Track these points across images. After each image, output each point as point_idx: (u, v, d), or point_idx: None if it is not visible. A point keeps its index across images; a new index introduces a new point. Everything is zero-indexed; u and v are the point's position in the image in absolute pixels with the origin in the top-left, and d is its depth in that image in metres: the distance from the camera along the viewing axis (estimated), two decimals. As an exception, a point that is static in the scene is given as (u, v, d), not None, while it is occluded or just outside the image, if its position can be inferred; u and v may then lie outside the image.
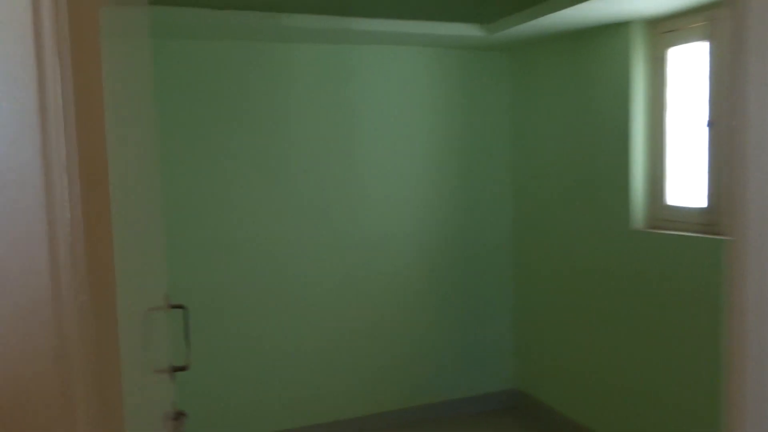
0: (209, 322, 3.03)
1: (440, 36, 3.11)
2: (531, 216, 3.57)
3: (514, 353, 3.77)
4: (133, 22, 1.11)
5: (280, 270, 3.17)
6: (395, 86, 3.36)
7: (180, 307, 1.37)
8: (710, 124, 2.57)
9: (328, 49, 3.19)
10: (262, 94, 3.09)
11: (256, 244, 3.12)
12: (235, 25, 2.74)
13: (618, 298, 2.95)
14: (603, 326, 3.05)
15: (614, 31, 2.87)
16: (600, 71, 2.97)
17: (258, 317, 3.14)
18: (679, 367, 2.66)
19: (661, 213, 2.83)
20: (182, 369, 1.35)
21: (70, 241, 0.64)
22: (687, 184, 2.74)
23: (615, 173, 2.93)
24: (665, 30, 2.75)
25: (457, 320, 3.60)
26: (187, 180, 2.99)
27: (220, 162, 3.04)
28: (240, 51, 3.04)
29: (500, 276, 3.71)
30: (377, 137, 3.34)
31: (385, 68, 3.33)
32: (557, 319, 3.38)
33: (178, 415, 1.32)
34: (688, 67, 2.69)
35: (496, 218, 3.68)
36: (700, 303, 2.53)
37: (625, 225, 2.89)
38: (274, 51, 3.10)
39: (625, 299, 2.91)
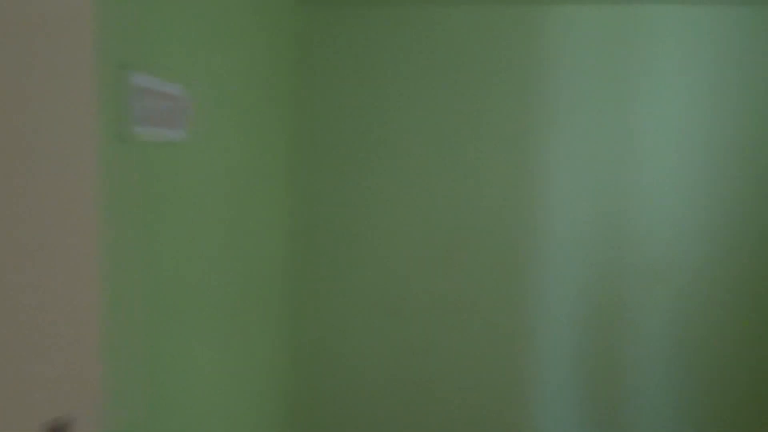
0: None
1: None
2: None
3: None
4: None
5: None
6: (697, 59, 2.61)
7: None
8: None
9: (606, 10, 2.61)
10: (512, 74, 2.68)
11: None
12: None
13: None
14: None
15: None
16: None
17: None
18: None
19: None
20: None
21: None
22: None
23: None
24: None
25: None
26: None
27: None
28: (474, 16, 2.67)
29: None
30: (662, 132, 2.66)
31: (680, 40, 2.61)
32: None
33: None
34: None
35: None
36: None
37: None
38: (523, 15, 2.65)
39: None
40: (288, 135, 2.72)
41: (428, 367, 2.83)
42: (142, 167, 1.55)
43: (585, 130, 2.67)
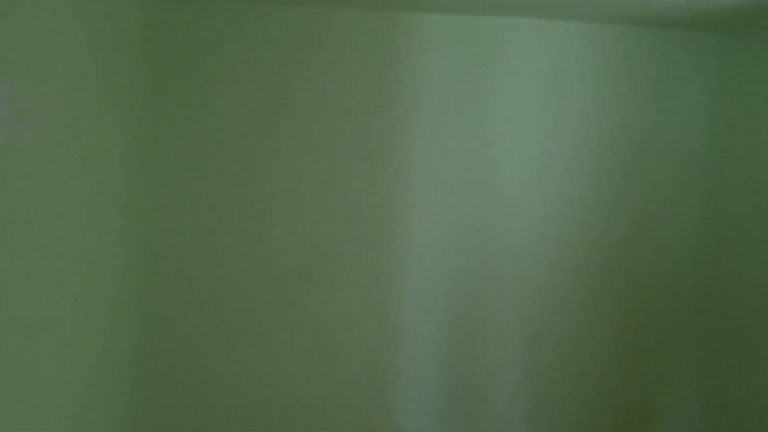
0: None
1: (620, 5, 2.33)
2: (732, 248, 2.74)
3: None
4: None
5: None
6: (543, 72, 2.72)
7: None
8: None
9: (460, 20, 2.64)
10: (372, 79, 2.62)
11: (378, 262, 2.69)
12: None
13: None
14: None
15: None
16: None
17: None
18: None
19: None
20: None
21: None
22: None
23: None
24: None
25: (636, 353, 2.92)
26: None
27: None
28: (340, 19, 2.59)
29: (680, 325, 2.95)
30: (518, 142, 2.74)
31: (534, 50, 2.70)
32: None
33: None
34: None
35: (677, 249, 2.91)
36: None
37: None
38: (381, 21, 2.60)
39: None
40: (131, 137, 2.45)
41: (292, 381, 2.70)
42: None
43: (448, 136, 2.68)
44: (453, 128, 2.69)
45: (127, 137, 2.39)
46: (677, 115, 2.82)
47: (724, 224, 2.75)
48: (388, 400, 2.72)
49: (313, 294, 2.65)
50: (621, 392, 2.87)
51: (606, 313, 2.84)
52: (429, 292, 2.71)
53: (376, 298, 2.68)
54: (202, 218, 2.59)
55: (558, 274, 2.79)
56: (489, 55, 2.68)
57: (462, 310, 2.74)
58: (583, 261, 2.80)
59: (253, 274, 2.63)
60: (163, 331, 2.59)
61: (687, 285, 2.88)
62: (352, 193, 2.65)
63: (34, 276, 1.73)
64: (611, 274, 2.82)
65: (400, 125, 2.64)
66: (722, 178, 2.78)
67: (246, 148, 2.59)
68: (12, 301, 1.62)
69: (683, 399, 2.89)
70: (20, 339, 1.66)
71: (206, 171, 2.58)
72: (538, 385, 2.82)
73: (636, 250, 2.83)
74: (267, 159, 2.60)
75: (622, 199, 2.81)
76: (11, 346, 1.62)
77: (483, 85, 2.69)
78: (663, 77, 2.79)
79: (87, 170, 2.07)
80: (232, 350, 2.64)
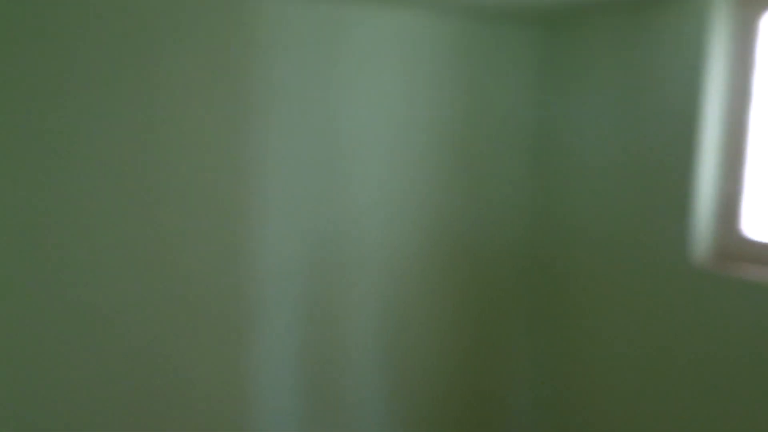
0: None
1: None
2: (558, 229, 2.82)
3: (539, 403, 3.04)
4: None
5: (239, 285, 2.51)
6: (391, 63, 2.66)
7: None
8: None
9: (302, 8, 2.47)
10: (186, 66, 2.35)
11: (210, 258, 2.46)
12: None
13: (681, 354, 2.19)
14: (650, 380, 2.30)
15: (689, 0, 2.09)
16: (665, 54, 2.19)
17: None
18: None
19: (735, 247, 2.05)
20: None
21: None
22: (775, 210, 1.96)
23: (674, 188, 2.15)
24: (758, -8, 1.96)
25: (462, 346, 2.93)
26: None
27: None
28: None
29: (514, 308, 3.00)
30: (365, 128, 2.64)
31: (379, 39, 2.62)
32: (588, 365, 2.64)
33: None
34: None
35: (510, 231, 2.96)
36: None
37: (682, 260, 2.11)
38: (226, 6, 2.36)
39: (684, 359, 2.14)
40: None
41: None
42: None
43: (298, 127, 2.52)
44: (303, 119, 2.54)
45: None
46: (511, 99, 2.92)
47: (554, 201, 2.89)
48: (243, 392, 2.59)
49: (162, 279, 2.43)
50: (465, 375, 2.95)
51: (455, 298, 2.89)
52: (283, 284, 2.58)
53: (229, 289, 2.52)
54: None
55: (411, 261, 2.79)
56: (338, 46, 2.57)
57: (316, 300, 2.65)
58: (435, 247, 2.82)
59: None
60: None
61: (522, 261, 3.03)
62: (197, 183, 2.41)
63: None
64: (459, 258, 2.88)
65: (244, 117, 2.44)
66: (548, 156, 2.92)
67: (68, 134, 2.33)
68: None
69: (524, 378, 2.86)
70: None
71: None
72: (392, 371, 2.81)
73: (480, 235, 2.91)
74: (89, 152, 2.30)
75: (467, 183, 2.87)
76: None
77: (332, 75, 2.57)
78: (499, 67, 2.87)
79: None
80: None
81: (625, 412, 2.40)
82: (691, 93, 2.07)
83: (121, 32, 2.22)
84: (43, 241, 2.20)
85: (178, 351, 2.47)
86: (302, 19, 2.47)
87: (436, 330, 2.88)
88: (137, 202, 2.32)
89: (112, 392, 2.39)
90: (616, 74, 2.42)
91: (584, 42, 2.61)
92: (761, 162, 1.99)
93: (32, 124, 2.14)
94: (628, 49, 2.35)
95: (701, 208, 2.08)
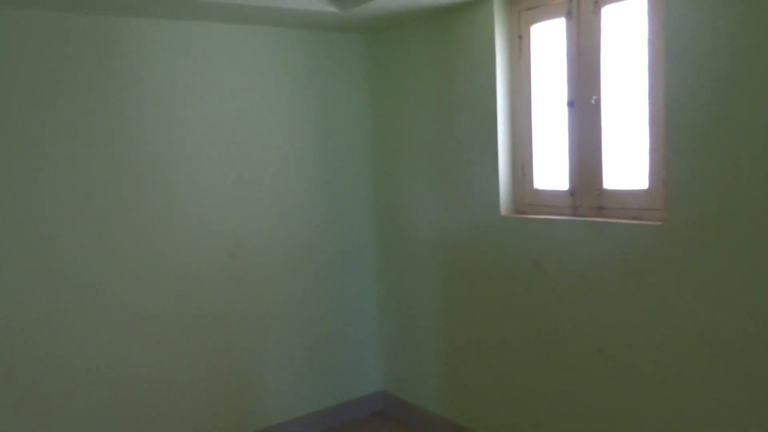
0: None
1: (287, 11, 2.75)
2: (395, 207, 3.42)
3: (382, 354, 3.63)
4: None
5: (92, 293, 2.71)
6: (235, 72, 3.00)
7: None
8: (570, 103, 2.51)
9: (149, 23, 2.75)
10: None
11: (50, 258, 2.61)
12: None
13: (489, 287, 2.85)
14: (475, 318, 2.94)
15: (477, 8, 2.75)
16: (464, 52, 2.85)
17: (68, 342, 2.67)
18: (560, 354, 2.59)
19: (529, 197, 2.76)
20: None
21: None
22: (552, 166, 2.67)
23: (482, 158, 2.82)
24: (528, 6, 2.66)
25: (320, 326, 3.39)
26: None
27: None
28: (45, 23, 2.53)
29: (364, 275, 3.55)
30: (210, 131, 2.95)
31: (220, 50, 2.94)
32: (426, 314, 3.25)
33: None
34: (551, 46, 2.62)
35: (358, 212, 3.50)
36: (578, 288, 2.46)
37: (494, 211, 2.78)
38: (83, 26, 2.60)
39: (498, 289, 2.81)
40: None
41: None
42: None
43: (129, 140, 2.74)
44: (135, 131, 2.76)
45: None
46: (348, 100, 3.40)
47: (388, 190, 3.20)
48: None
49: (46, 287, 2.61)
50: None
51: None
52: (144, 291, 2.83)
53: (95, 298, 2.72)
54: None
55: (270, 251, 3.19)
56: (181, 59, 2.85)
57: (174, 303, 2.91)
58: (292, 241, 3.26)
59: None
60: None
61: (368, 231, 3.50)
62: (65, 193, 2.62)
63: None
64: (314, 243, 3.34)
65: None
66: (380, 149, 3.48)
67: None
68: None
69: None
70: None
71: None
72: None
73: (330, 228, 3.39)
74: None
75: (315, 184, 3.32)
76: None
77: (171, 86, 2.83)
78: (335, 71, 3.33)
79: None
80: None
81: (438, 331, 3.05)
82: (487, 82, 2.74)
83: None
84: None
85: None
86: (152, 35, 2.76)
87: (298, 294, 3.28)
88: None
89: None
90: (430, 70, 3.05)
91: (403, 46, 3.22)
92: (543, 132, 2.70)
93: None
94: (436, 49, 3.00)
95: (501, 167, 2.76)
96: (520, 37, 2.70)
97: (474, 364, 2.99)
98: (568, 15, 2.48)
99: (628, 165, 2.37)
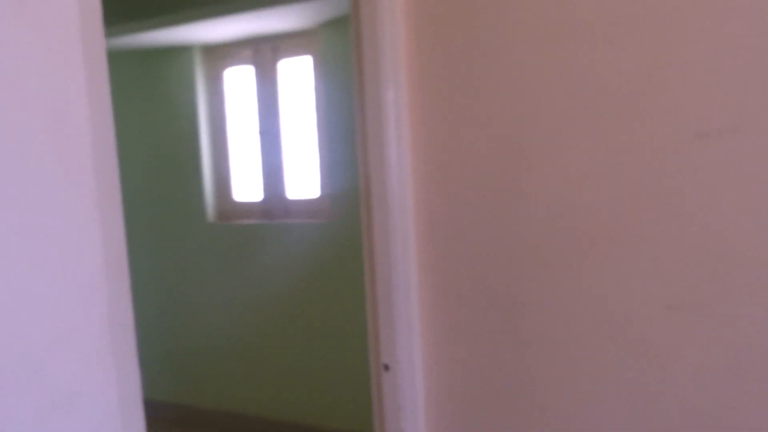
0: None
1: None
2: None
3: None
4: None
5: None
6: None
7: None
8: (262, 132, 3.20)
9: None
10: None
11: None
12: None
13: (205, 286, 3.35)
14: (203, 313, 3.41)
15: (179, 54, 3.27)
16: (170, 89, 3.34)
17: None
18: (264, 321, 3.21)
19: (230, 207, 3.36)
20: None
21: None
22: (248, 182, 3.32)
23: (189, 175, 3.34)
24: (222, 55, 3.28)
25: None
26: None
27: None
28: None
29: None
30: None
31: None
32: (155, 313, 3.59)
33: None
34: (243, 86, 3.28)
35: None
36: (284, 280, 3.11)
37: (201, 219, 3.31)
38: None
39: (215, 287, 3.33)
40: None
41: None
42: None
43: None
44: None
45: None
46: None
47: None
48: None
49: None
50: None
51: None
52: None
53: None
54: None
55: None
56: None
57: None
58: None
59: None
60: None
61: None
62: None
63: None
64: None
65: None
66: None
67: None
68: None
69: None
70: None
71: None
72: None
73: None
74: None
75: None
76: None
77: None
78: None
79: None
80: None
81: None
82: (191, 111, 3.28)
83: None
84: None
85: None
86: None
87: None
88: None
89: None
90: (146, 105, 3.46)
91: (121, 81, 3.51)
92: (240, 154, 3.33)
93: None
94: (149, 86, 3.44)
95: (206, 184, 3.31)
96: (217, 78, 3.31)
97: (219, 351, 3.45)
98: (255, 63, 3.17)
99: (304, 179, 3.14)
